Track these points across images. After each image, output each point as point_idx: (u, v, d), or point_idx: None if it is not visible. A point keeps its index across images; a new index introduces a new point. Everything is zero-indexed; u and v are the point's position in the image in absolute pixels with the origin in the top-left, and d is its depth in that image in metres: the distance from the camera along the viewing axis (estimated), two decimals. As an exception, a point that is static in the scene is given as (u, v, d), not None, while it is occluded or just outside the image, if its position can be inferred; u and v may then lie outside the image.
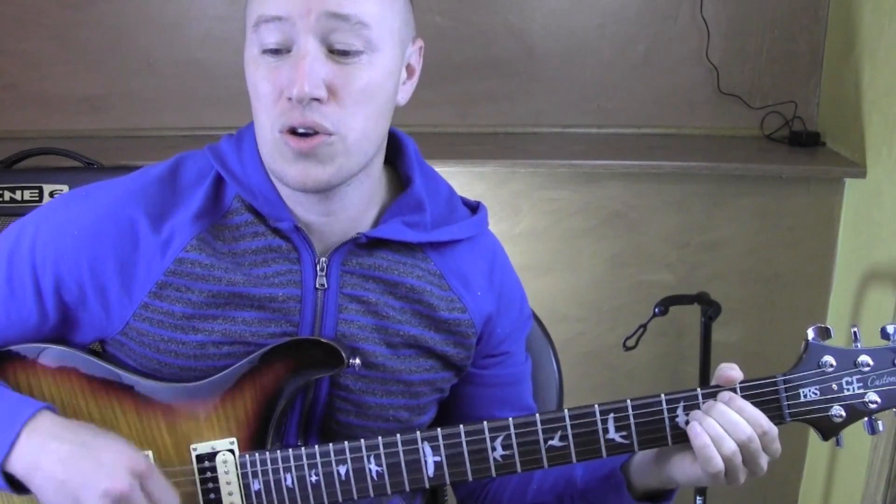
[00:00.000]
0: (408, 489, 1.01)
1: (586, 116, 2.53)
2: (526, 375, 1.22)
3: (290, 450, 1.02)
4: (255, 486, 1.02)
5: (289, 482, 1.01)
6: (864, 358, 0.98)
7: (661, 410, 0.98)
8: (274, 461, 1.02)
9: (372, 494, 1.01)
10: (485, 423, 1.00)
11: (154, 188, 1.05)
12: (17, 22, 2.41)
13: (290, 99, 0.95)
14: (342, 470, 1.01)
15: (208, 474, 1.03)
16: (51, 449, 0.96)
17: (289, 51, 0.96)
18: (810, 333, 0.99)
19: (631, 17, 2.46)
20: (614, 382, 2.45)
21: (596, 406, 0.99)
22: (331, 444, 1.01)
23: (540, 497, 1.15)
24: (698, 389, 0.99)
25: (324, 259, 1.06)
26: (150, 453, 1.03)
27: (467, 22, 2.47)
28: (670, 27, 2.45)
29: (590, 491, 1.10)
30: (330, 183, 1.00)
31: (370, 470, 1.00)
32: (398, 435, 1.00)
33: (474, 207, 1.17)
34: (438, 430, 1.00)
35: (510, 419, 0.99)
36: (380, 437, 1.00)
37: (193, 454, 1.03)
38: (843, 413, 0.98)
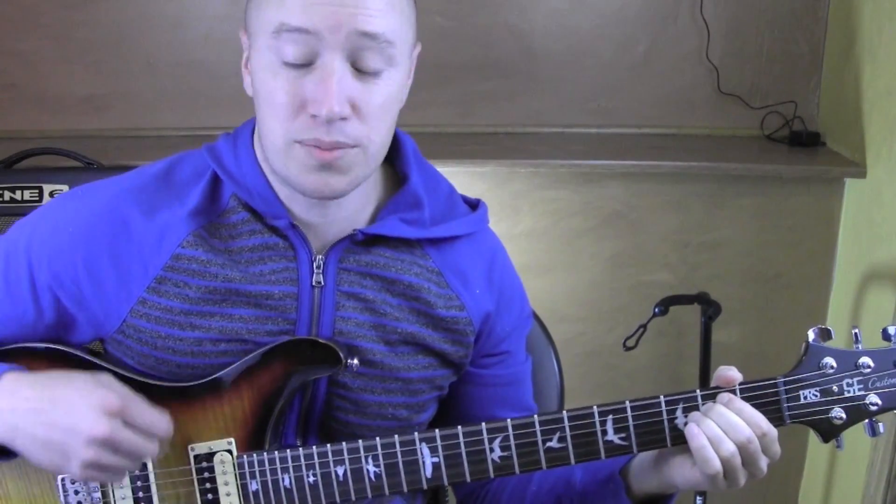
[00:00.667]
0: (405, 490, 1.00)
1: (586, 116, 2.53)
2: (526, 375, 1.22)
3: (288, 450, 1.01)
4: (253, 486, 1.02)
5: (287, 483, 1.01)
6: (864, 359, 0.97)
7: (661, 412, 0.98)
8: (272, 462, 1.01)
9: (370, 495, 1.01)
10: (483, 424, 0.99)
11: (149, 186, 1.05)
12: (17, 22, 2.41)
13: (313, 116, 0.95)
14: (340, 470, 1.00)
15: (206, 475, 1.02)
16: (22, 410, 0.95)
17: (310, 63, 0.95)
18: (811, 335, 0.99)
19: (631, 17, 2.46)
20: (614, 382, 2.45)
21: (595, 407, 0.98)
22: (328, 445, 1.01)
23: (538, 499, 1.14)
24: (697, 391, 0.98)
25: (320, 256, 1.06)
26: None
27: (468, 22, 2.47)
28: (670, 27, 2.45)
29: (588, 494, 1.09)
30: (346, 191, 1.00)
31: (368, 471, 1.00)
32: (396, 436, 1.00)
33: (474, 205, 1.17)
34: (436, 431, 1.00)
35: (508, 420, 0.99)
36: (377, 438, 1.00)
37: (191, 454, 1.03)
38: (844, 415, 0.98)
